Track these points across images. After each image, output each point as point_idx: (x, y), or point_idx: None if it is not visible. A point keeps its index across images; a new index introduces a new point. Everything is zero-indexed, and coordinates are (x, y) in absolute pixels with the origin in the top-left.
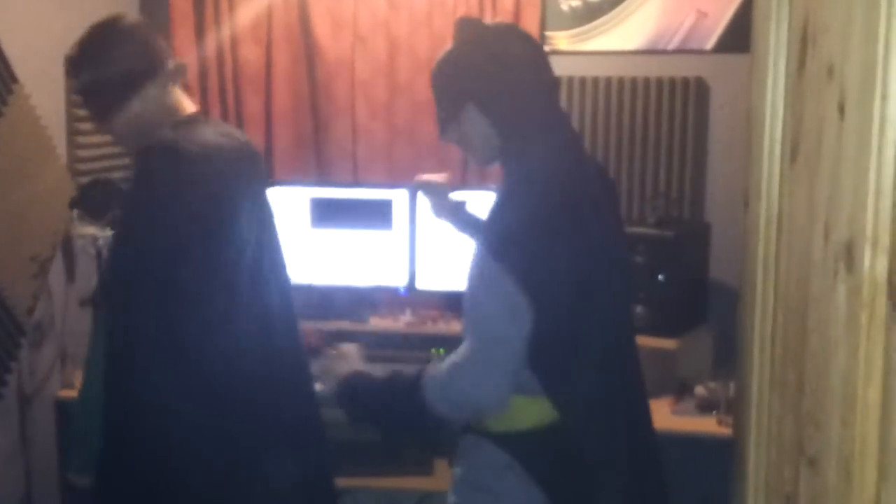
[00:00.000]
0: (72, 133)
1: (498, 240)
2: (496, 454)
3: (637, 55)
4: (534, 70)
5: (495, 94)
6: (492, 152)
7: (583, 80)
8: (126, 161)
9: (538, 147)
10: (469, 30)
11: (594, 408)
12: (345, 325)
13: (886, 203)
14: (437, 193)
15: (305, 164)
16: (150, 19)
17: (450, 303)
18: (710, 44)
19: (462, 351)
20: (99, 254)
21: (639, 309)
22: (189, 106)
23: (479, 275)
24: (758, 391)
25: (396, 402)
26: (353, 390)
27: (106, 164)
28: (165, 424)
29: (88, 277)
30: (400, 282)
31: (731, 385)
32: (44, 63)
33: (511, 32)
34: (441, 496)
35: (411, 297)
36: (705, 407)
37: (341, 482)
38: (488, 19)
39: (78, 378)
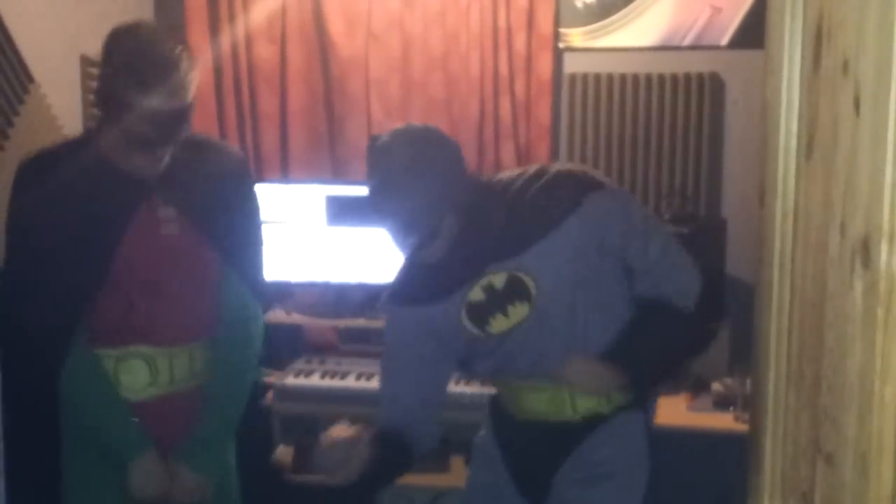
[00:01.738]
0: None
1: None
2: (640, 416)
3: (652, 51)
4: (458, 151)
5: (463, 194)
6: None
7: (597, 77)
8: None
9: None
10: (401, 150)
11: None
12: (359, 322)
13: None
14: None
15: (320, 162)
16: (165, 17)
17: None
18: (724, 39)
19: (673, 259)
20: None
21: None
22: None
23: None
24: (774, 387)
25: None
26: None
27: None
28: None
29: None
30: None
31: (748, 381)
32: (60, 63)
33: (429, 130)
34: (456, 493)
35: None
36: (722, 403)
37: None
38: (502, 17)
39: None
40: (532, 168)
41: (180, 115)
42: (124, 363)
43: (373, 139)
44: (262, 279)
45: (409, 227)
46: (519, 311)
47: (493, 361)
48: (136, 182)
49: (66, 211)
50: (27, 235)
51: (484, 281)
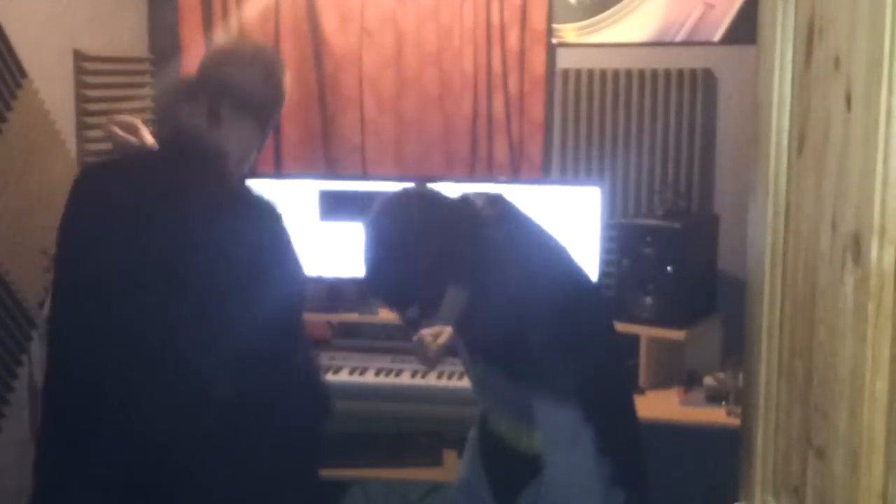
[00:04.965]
0: (80, 127)
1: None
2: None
3: (645, 47)
4: (456, 207)
5: (467, 262)
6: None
7: (590, 73)
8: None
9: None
10: (389, 229)
11: None
12: (353, 317)
13: (893, 194)
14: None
15: (314, 158)
16: (159, 14)
17: None
18: (717, 35)
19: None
20: None
21: (648, 300)
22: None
23: None
24: (765, 382)
25: None
26: None
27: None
28: None
29: None
30: None
31: (740, 376)
32: (53, 57)
33: (421, 203)
34: (450, 487)
35: None
36: (714, 398)
37: (351, 473)
38: (496, 13)
39: None
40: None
41: None
42: None
43: (365, 213)
44: None
45: (405, 302)
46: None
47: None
48: None
49: None
50: None
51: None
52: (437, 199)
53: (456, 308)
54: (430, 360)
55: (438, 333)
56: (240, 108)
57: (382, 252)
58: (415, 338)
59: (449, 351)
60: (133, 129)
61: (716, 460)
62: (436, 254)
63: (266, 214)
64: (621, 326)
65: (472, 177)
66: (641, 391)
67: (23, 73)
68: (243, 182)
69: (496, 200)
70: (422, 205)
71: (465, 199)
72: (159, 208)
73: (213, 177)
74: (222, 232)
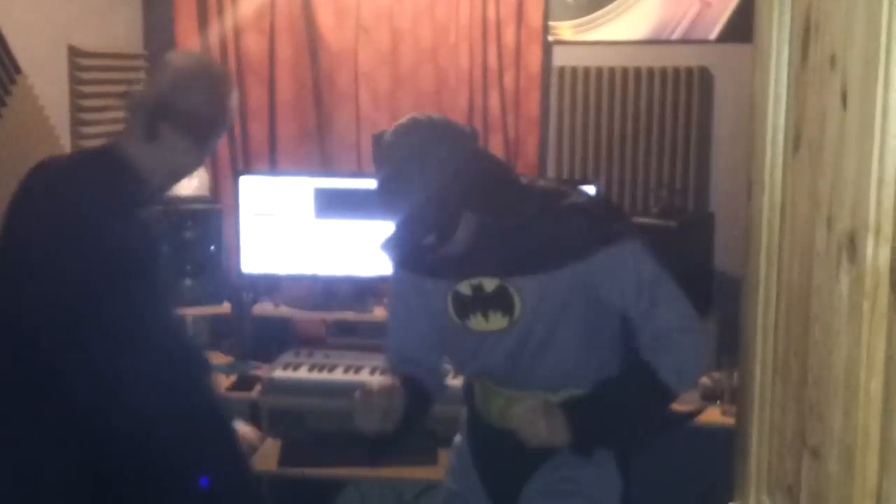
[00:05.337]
0: (75, 123)
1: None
2: None
3: (641, 45)
4: (474, 140)
5: (483, 190)
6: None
7: (586, 70)
8: None
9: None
10: (408, 145)
11: None
12: (348, 315)
13: (889, 192)
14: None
15: (309, 155)
16: (154, 10)
17: None
18: (713, 33)
19: (679, 324)
20: None
21: None
22: None
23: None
24: (760, 381)
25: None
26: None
27: None
28: None
29: None
30: None
31: (735, 375)
32: (47, 53)
33: (436, 123)
34: (444, 486)
35: None
36: (709, 396)
37: (345, 472)
38: (492, 10)
39: None
40: (564, 192)
41: None
42: None
43: (378, 135)
44: None
45: (424, 225)
46: (498, 321)
47: (471, 356)
48: None
49: None
50: None
51: (475, 280)
52: (446, 123)
53: (469, 231)
54: (370, 421)
55: (390, 390)
56: (178, 126)
57: (398, 179)
58: (357, 394)
59: (395, 447)
60: None
61: (710, 460)
62: (450, 174)
63: (141, 235)
64: None
65: None
66: None
67: (17, 69)
68: (145, 201)
69: None
70: (435, 127)
71: (471, 127)
72: (47, 211)
73: (111, 191)
74: (90, 237)
